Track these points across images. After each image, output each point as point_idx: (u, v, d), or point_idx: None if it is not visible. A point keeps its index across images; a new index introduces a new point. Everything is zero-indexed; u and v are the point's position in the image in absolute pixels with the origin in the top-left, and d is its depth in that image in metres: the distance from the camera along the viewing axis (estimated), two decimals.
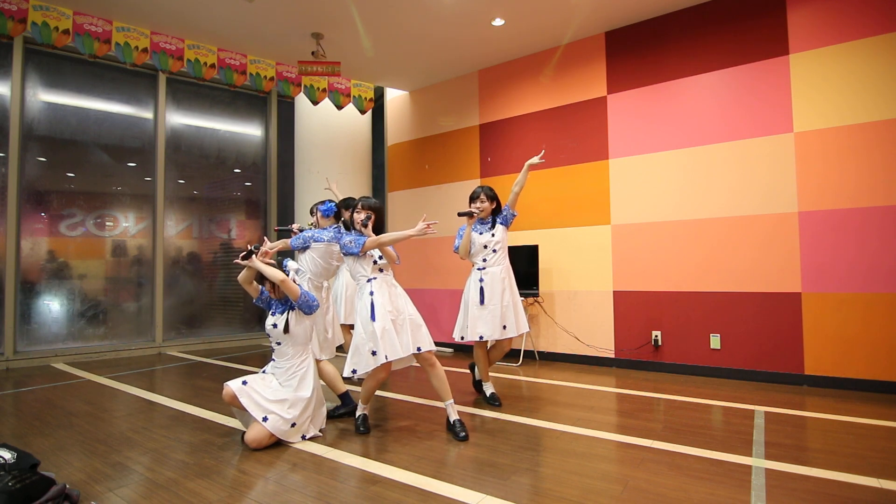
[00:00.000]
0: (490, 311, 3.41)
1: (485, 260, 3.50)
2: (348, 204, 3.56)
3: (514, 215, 3.54)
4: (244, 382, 2.66)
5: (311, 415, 2.79)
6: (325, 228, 3.39)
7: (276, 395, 2.68)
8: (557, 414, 3.22)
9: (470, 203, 3.55)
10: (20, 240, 5.13)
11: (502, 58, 5.58)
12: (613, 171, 4.83)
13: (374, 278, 2.87)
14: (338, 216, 3.55)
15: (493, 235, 3.51)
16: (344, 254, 2.93)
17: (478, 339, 3.44)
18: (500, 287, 3.43)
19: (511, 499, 2.03)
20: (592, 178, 4.96)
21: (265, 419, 2.60)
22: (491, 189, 3.55)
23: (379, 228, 2.94)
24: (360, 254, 2.85)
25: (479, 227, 3.55)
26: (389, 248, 3.01)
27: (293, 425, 2.67)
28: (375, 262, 2.91)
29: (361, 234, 2.89)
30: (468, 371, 4.15)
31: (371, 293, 2.82)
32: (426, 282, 6.23)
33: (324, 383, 3.23)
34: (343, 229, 3.17)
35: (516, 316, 3.45)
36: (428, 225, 2.77)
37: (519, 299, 3.54)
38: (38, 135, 5.29)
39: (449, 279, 5.96)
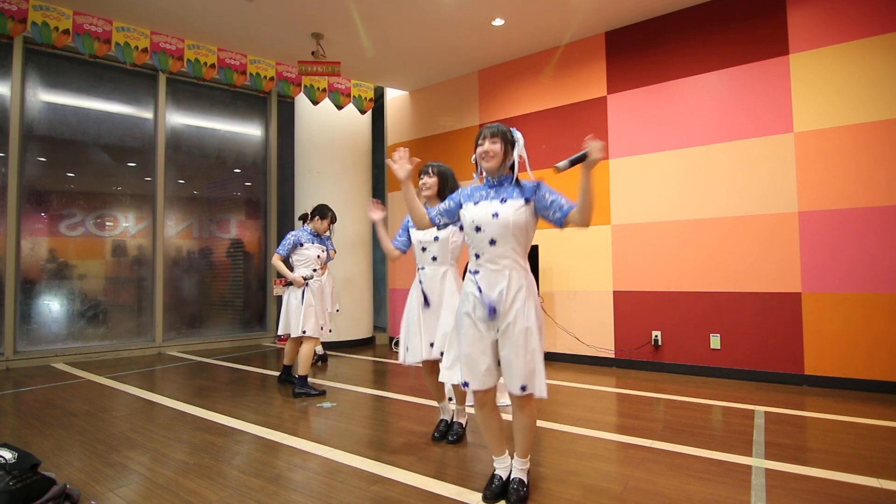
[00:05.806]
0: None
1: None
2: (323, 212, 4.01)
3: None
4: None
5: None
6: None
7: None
8: (557, 414, 3.22)
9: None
10: (20, 240, 5.12)
11: (502, 58, 5.58)
12: (613, 171, 4.83)
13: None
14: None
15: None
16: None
17: None
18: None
19: None
20: (592, 178, 4.94)
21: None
22: None
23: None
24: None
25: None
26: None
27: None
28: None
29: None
30: None
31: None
32: None
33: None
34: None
35: None
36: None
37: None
38: (38, 135, 5.29)
39: None
